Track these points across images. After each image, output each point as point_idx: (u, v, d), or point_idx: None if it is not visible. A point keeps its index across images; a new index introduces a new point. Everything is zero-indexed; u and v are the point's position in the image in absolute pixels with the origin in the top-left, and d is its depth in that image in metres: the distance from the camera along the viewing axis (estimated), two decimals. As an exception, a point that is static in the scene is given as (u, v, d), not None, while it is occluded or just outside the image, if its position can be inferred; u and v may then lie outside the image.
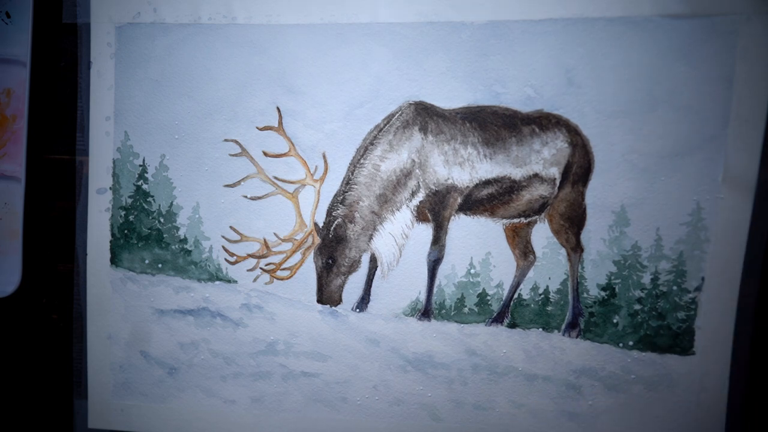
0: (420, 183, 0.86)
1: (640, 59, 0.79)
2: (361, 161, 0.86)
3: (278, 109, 0.87)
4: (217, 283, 0.90)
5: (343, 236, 0.88)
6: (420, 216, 0.87)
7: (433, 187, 0.86)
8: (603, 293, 0.84)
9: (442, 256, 0.86)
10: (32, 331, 0.97)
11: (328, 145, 0.86)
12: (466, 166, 0.85)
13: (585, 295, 0.84)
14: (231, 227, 0.89)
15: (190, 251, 0.90)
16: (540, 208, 0.86)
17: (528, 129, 0.83)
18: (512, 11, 0.81)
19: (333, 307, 0.89)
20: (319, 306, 0.89)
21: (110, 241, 0.92)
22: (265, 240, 0.89)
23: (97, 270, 0.92)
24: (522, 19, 0.81)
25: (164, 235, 0.91)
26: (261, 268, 0.89)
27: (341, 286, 0.89)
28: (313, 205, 0.88)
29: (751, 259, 0.80)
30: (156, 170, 0.90)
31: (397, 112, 0.85)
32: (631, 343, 0.84)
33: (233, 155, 0.88)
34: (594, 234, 0.83)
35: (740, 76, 0.78)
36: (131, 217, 0.91)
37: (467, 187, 0.86)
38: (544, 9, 0.81)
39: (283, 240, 0.89)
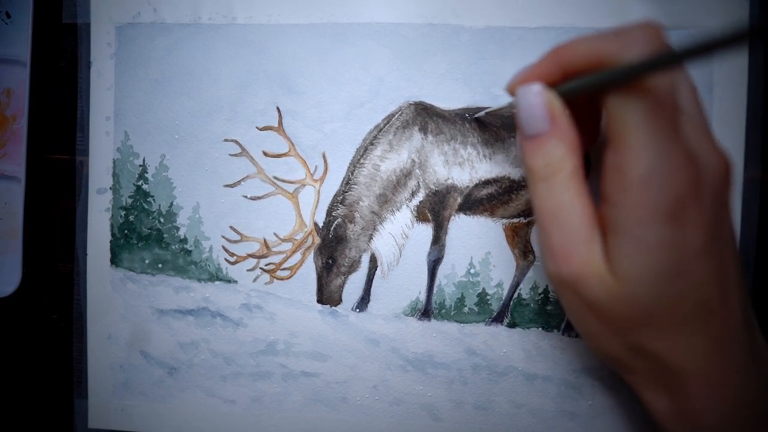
0: (420, 183, 0.86)
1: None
2: (361, 161, 0.86)
3: (278, 109, 0.87)
4: (217, 283, 0.90)
5: (343, 236, 0.88)
6: (420, 216, 0.87)
7: (433, 187, 0.86)
8: (603, 293, 0.84)
9: (442, 256, 0.86)
10: (32, 331, 0.97)
11: (328, 145, 0.86)
12: (465, 166, 0.85)
13: (585, 294, 0.84)
14: (231, 227, 0.89)
15: (190, 251, 0.90)
16: (540, 208, 0.86)
17: (528, 129, 0.83)
18: (508, 18, 0.82)
19: (333, 307, 0.89)
20: (319, 306, 0.89)
21: (110, 241, 0.92)
22: (265, 240, 0.89)
23: (97, 270, 0.92)
24: (517, 26, 0.82)
25: (164, 235, 0.91)
26: (261, 268, 0.89)
27: (341, 286, 0.89)
28: (313, 205, 0.88)
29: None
30: (156, 170, 0.90)
31: (397, 112, 0.85)
32: (630, 342, 0.84)
33: (233, 155, 0.88)
34: (594, 234, 0.83)
35: (719, 83, 0.78)
36: (131, 217, 0.91)
37: (467, 187, 0.86)
38: (537, 18, 0.81)
39: (283, 240, 0.89)
